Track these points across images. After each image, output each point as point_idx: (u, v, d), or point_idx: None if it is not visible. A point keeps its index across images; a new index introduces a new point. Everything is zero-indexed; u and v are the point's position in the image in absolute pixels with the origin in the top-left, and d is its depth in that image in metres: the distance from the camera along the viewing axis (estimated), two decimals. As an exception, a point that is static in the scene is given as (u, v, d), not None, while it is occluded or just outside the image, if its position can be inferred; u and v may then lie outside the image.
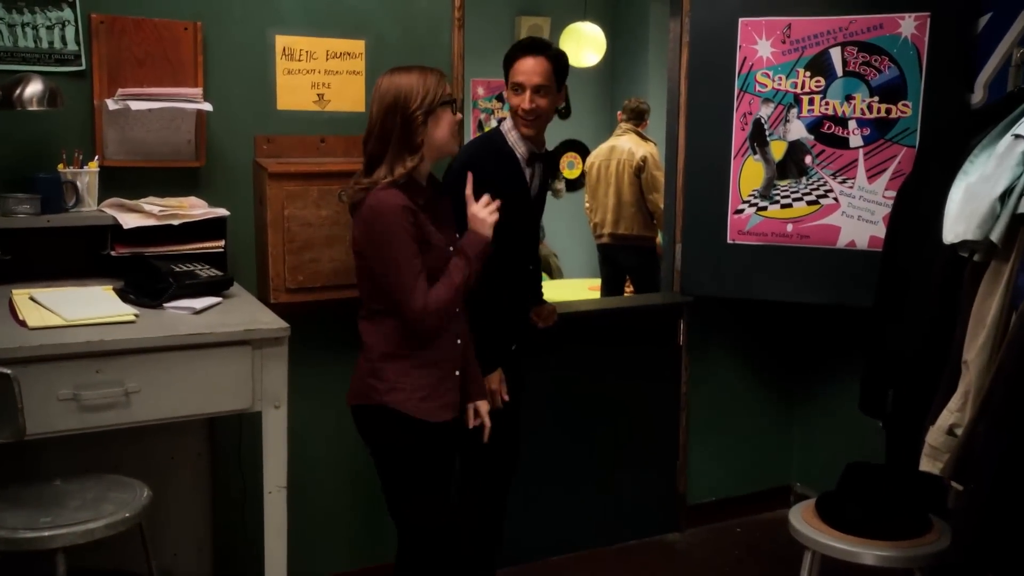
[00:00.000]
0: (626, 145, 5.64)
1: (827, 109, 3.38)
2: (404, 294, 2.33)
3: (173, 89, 2.77)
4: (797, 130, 3.43)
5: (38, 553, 2.20)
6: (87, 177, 2.67)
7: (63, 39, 2.70)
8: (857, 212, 3.38)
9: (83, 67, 2.72)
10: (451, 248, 2.47)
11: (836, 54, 3.35)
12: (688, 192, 3.64)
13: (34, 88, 2.48)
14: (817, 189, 3.43)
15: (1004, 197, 2.20)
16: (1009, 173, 2.20)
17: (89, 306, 2.32)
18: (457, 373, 2.52)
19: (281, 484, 2.36)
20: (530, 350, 3.08)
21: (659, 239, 5.46)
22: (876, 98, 3.32)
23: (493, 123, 6.96)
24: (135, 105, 2.67)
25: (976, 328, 2.25)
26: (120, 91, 2.71)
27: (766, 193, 3.49)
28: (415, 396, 2.42)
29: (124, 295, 2.45)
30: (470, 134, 6.11)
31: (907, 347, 2.63)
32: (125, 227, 2.59)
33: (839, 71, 3.36)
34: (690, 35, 3.58)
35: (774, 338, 3.99)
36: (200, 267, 2.57)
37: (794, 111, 3.42)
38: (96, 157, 2.73)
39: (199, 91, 2.81)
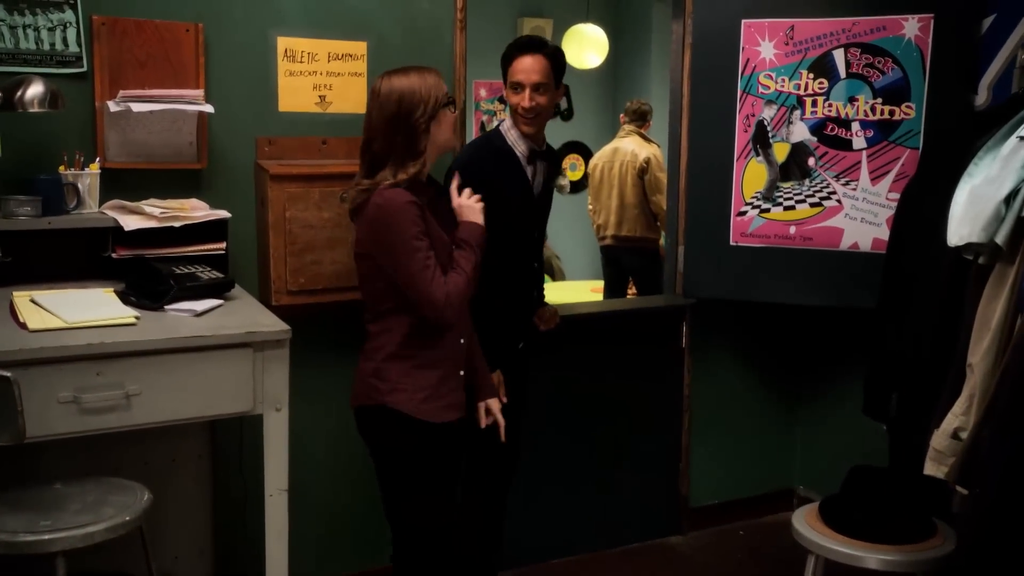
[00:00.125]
0: (629, 147, 5.63)
1: (830, 111, 3.37)
2: (424, 286, 2.32)
3: (174, 91, 2.76)
4: (800, 132, 3.42)
5: (38, 556, 2.19)
6: (88, 179, 2.67)
7: (64, 41, 2.69)
8: (860, 214, 3.37)
9: (84, 69, 2.72)
10: (450, 244, 2.48)
11: (839, 56, 3.34)
12: (690, 194, 3.64)
13: (35, 90, 2.47)
14: (820, 191, 3.42)
15: (1009, 199, 2.19)
16: (1014, 175, 2.19)
17: (90, 308, 2.31)
18: (461, 373, 2.51)
19: (282, 487, 2.35)
20: (533, 351, 3.07)
21: (662, 241, 5.45)
22: (879, 100, 3.31)
23: (495, 125, 6.95)
24: (136, 107, 2.67)
25: (981, 331, 2.24)
26: (121, 93, 2.70)
27: (769, 195, 3.48)
28: (417, 397, 2.41)
29: (125, 297, 2.44)
30: (472, 136, 6.10)
31: (911, 350, 2.62)
32: (126, 229, 2.58)
33: (842, 73, 3.34)
34: (693, 36, 3.57)
35: (777, 340, 3.98)
36: (201, 269, 2.57)
37: (797, 113, 3.41)
38: (97, 159, 2.72)
39: (200, 93, 2.81)
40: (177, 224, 2.64)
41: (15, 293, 2.42)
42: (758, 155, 3.48)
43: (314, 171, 2.89)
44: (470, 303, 2.49)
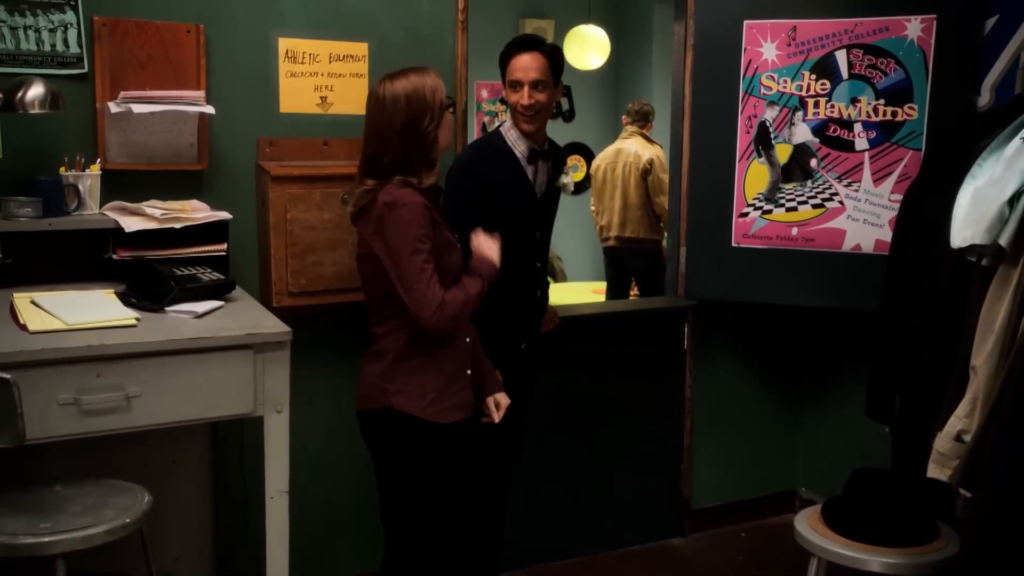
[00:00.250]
0: (632, 148, 5.62)
1: (832, 112, 3.36)
2: (420, 287, 2.30)
3: (175, 92, 2.76)
4: (802, 133, 3.41)
5: (38, 559, 2.18)
6: (89, 180, 2.66)
7: (65, 42, 2.69)
8: (863, 216, 3.36)
9: (85, 70, 2.71)
10: (458, 245, 2.48)
11: (841, 57, 3.34)
12: (692, 195, 3.63)
13: (36, 91, 2.47)
14: (822, 192, 3.41)
15: (1013, 201, 2.18)
16: (1018, 177, 2.18)
17: (90, 310, 2.30)
18: (468, 372, 2.51)
19: (283, 489, 2.35)
20: (536, 352, 3.06)
21: (665, 242, 5.44)
22: (882, 101, 3.30)
23: (496, 126, 6.94)
24: (137, 108, 2.67)
25: (984, 333, 2.23)
26: (122, 94, 2.70)
27: (771, 196, 3.47)
28: (424, 399, 2.41)
29: (125, 299, 2.44)
30: (474, 137, 6.09)
31: (913, 352, 2.62)
32: (127, 230, 2.58)
33: (844, 74, 3.34)
34: (694, 38, 3.57)
35: (779, 342, 3.98)
36: (202, 271, 2.56)
37: (799, 114, 3.40)
38: (98, 160, 2.72)
39: (201, 94, 2.81)
40: (178, 225, 2.64)
41: (15, 294, 2.42)
42: (760, 156, 3.47)
43: (315, 172, 2.89)
44: None
